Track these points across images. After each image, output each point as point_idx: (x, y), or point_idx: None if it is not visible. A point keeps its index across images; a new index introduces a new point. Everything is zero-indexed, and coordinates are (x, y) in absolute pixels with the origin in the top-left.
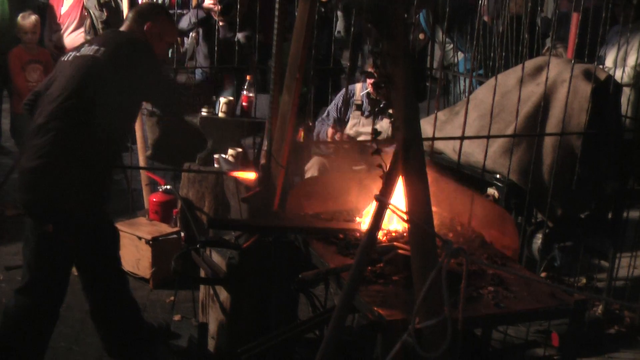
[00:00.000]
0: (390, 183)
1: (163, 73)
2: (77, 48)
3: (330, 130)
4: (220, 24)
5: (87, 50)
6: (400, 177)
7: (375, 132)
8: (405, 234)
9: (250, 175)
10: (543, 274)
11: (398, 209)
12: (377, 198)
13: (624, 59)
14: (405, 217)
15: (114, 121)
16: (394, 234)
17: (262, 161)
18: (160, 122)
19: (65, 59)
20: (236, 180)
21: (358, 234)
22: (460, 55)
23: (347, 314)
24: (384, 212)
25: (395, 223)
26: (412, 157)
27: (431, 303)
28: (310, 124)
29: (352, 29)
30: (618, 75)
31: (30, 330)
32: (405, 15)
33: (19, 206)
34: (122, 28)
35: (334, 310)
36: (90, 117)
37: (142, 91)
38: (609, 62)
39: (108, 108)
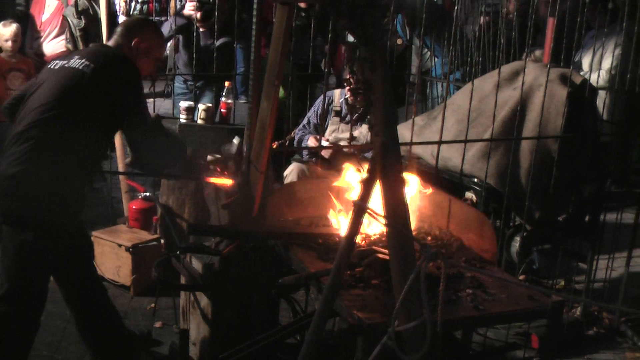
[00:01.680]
0: (369, 188)
1: (143, 104)
2: (67, 58)
3: (312, 141)
4: (201, 30)
5: (76, 62)
6: (378, 181)
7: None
8: (384, 238)
9: (227, 182)
10: (522, 277)
11: (376, 213)
12: (356, 203)
13: (599, 63)
14: (383, 221)
15: (95, 134)
16: (372, 238)
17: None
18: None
19: (52, 67)
20: (216, 187)
21: (337, 239)
22: (436, 58)
23: (327, 318)
24: (362, 216)
25: (373, 227)
26: (390, 162)
27: (410, 306)
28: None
29: (330, 35)
30: (593, 78)
31: (10, 339)
32: (384, 21)
33: None
34: (110, 42)
35: (314, 315)
36: (71, 128)
37: (120, 113)
38: (585, 66)
39: (90, 121)
